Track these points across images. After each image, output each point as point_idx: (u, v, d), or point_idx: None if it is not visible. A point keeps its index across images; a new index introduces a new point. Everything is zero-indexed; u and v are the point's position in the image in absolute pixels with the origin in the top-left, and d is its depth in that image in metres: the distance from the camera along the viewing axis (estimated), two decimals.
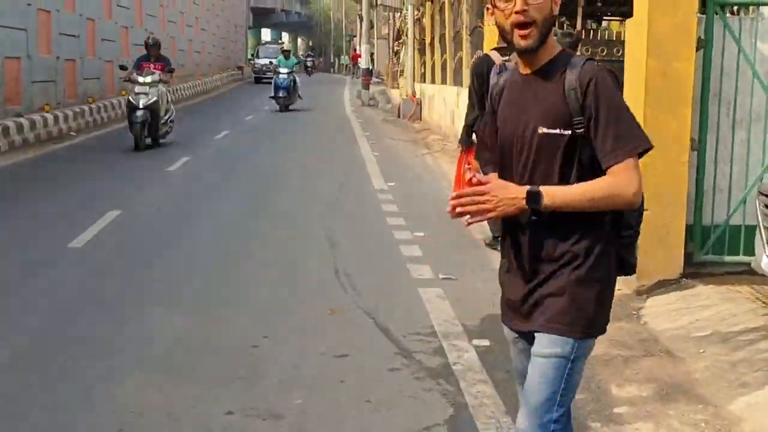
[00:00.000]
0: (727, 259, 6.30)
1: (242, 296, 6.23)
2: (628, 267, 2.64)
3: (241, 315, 5.74)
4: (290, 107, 24.54)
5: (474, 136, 7.92)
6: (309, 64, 58.82)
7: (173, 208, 9.76)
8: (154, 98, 14.28)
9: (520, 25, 2.38)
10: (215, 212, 9.45)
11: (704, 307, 5.59)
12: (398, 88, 27.67)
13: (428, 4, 19.39)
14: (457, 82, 16.69)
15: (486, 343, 5.16)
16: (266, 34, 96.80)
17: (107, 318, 5.69)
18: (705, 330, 5.17)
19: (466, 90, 7.80)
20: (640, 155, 2.42)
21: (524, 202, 2.37)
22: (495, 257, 7.55)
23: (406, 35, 23.65)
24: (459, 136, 8.29)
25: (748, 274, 6.20)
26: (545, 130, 2.42)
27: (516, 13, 2.36)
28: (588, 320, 2.52)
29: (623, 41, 12.90)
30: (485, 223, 9.10)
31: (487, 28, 13.20)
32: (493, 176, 2.54)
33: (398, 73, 28.35)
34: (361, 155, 14.60)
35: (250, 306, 5.96)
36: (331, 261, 7.22)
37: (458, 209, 2.39)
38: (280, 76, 24.43)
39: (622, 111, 2.41)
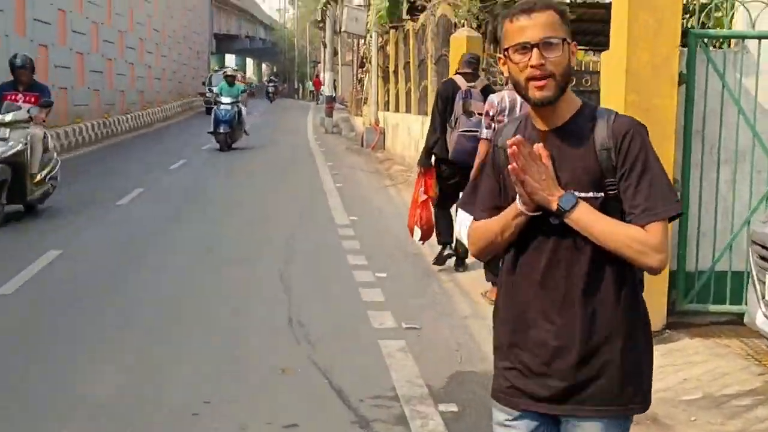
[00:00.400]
0: (713, 308, 5.86)
1: (184, 352, 5.64)
2: None
3: (181, 375, 5.16)
4: (234, 145, 20.34)
5: (433, 159, 7.89)
6: (271, 89, 57.44)
7: (119, 248, 9.14)
8: (19, 147, 9.85)
9: (536, 78, 2.17)
10: (161, 254, 8.85)
11: (692, 364, 5.12)
12: (362, 115, 27.26)
13: (392, 31, 19.02)
14: (422, 111, 16.28)
15: (453, 408, 4.64)
16: (230, 59, 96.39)
17: (34, 373, 5.10)
18: (695, 392, 4.69)
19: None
20: (670, 221, 2.22)
21: (557, 198, 2.17)
22: (461, 302, 7.09)
23: (370, 63, 23.27)
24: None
25: (734, 324, 5.78)
26: (578, 194, 2.18)
27: (532, 67, 2.16)
28: (648, 388, 2.31)
29: (591, 71, 12.69)
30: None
31: (452, 56, 12.80)
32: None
33: (362, 101, 27.95)
34: (322, 186, 14.07)
35: (193, 364, 5.37)
36: (286, 308, 6.66)
37: (513, 163, 2.14)
38: (222, 106, 19.83)
39: (657, 170, 2.21)
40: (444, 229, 7.94)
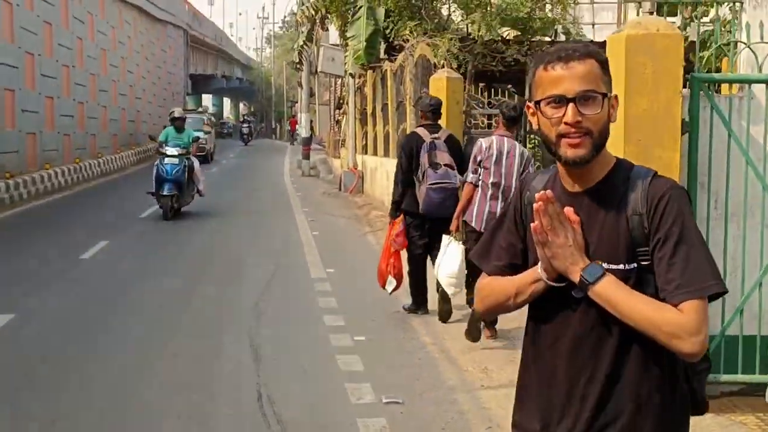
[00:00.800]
0: (724, 378, 5.32)
1: None
2: (701, 403, 2.16)
3: None
4: (182, 209, 15.68)
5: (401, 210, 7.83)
6: (245, 130, 54.01)
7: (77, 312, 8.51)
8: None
9: (571, 135, 1.98)
10: (122, 317, 8.23)
11: None
12: (340, 157, 26.78)
13: (370, 72, 18.59)
14: (386, 151, 15.80)
15: None
16: (207, 100, 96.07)
17: None
18: None
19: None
20: (710, 300, 1.97)
21: (580, 268, 1.97)
22: (447, 370, 6.47)
23: (347, 104, 22.84)
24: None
25: (748, 395, 5.26)
26: (606, 266, 1.98)
27: (566, 124, 1.97)
28: None
29: None
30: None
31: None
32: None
33: (340, 142, 27.49)
34: (298, 235, 13.49)
35: None
36: (254, 381, 6.05)
37: (537, 221, 1.97)
38: (166, 160, 14.90)
39: (695, 241, 1.98)
40: (415, 289, 7.97)
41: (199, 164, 16.08)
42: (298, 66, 28.59)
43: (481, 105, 12.08)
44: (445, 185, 7.38)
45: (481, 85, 16.30)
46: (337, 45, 27.85)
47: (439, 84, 12.23)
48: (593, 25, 18.99)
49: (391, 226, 7.93)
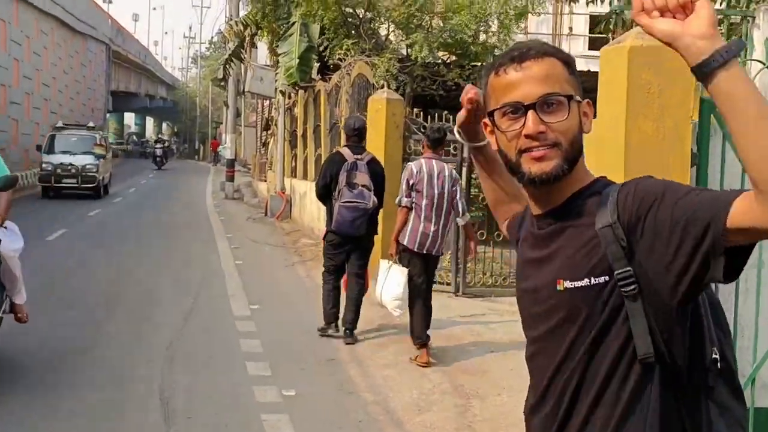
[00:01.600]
0: None
1: None
2: None
3: None
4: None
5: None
6: (159, 153, 47.16)
7: None
8: None
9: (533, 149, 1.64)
10: (10, 370, 6.99)
11: None
12: (266, 181, 25.63)
13: (301, 92, 17.59)
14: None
15: None
16: (129, 118, 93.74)
17: None
18: None
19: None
20: None
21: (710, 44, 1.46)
22: None
23: (276, 125, 21.77)
24: None
25: None
26: (568, 284, 1.65)
27: (526, 136, 1.64)
28: None
29: None
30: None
31: (370, 119, 11.41)
32: None
33: (266, 165, 26.36)
34: (220, 265, 12.32)
35: None
36: None
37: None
38: None
39: (689, 189, 1.55)
40: (329, 306, 7.86)
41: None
42: (222, 84, 27.37)
43: (422, 129, 11.21)
44: (358, 204, 7.54)
45: (416, 110, 15.52)
46: (266, 65, 26.87)
47: (377, 105, 11.31)
48: None
49: None
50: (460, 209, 7.21)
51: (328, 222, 7.85)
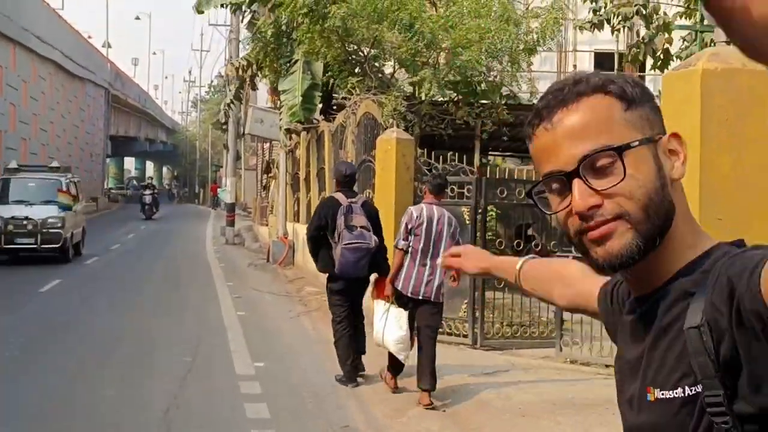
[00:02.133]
0: None
1: None
2: None
3: None
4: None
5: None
6: (147, 200, 39.63)
7: None
8: None
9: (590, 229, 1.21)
10: None
11: None
12: (267, 225, 25.00)
13: (303, 134, 17.02)
14: None
15: None
16: (129, 162, 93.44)
17: None
18: None
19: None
20: None
21: None
22: None
23: (277, 168, 21.18)
24: None
25: None
26: (658, 393, 1.21)
27: (577, 214, 1.21)
28: None
29: (524, 180, 10.85)
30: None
31: (378, 159, 10.80)
32: None
33: (267, 209, 25.74)
34: (221, 316, 11.61)
35: None
36: None
37: None
38: None
39: None
40: (349, 360, 7.73)
41: None
42: (223, 126, 26.88)
43: (432, 171, 10.59)
44: (360, 245, 7.55)
45: (423, 150, 14.93)
46: (267, 107, 26.40)
47: (386, 145, 10.70)
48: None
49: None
50: None
51: (328, 269, 7.78)
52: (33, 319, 11.28)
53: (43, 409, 6.86)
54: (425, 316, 7.11)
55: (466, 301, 10.15)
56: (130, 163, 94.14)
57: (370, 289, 7.95)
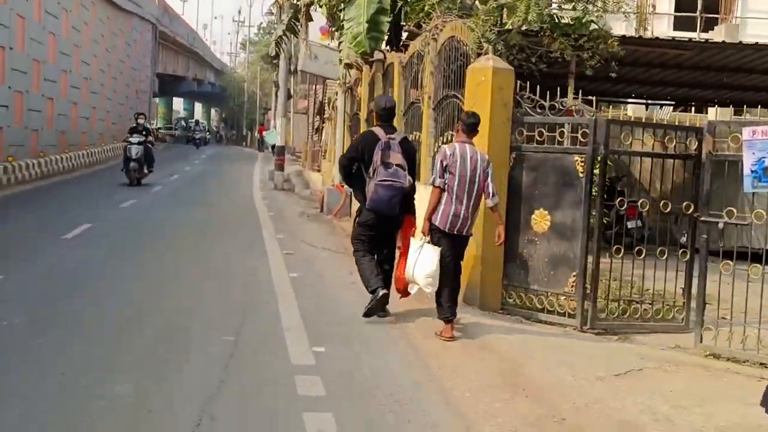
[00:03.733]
0: None
1: None
2: None
3: None
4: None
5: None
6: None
7: None
8: None
9: None
10: None
11: None
12: (319, 171, 23.05)
13: (366, 68, 14.94)
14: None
15: None
16: (177, 103, 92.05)
17: None
18: None
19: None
20: None
21: None
22: None
23: (333, 108, 19.12)
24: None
25: None
26: None
27: None
28: None
29: (654, 124, 8.67)
30: None
31: (468, 95, 8.72)
32: None
33: (320, 154, 23.76)
34: (270, 279, 9.71)
35: None
36: None
37: None
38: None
39: None
40: (374, 274, 7.73)
41: None
42: (273, 61, 24.86)
43: (540, 110, 8.49)
44: (394, 183, 7.53)
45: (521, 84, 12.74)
46: (322, 43, 24.31)
47: (480, 76, 8.61)
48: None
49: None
50: (491, 191, 7.36)
51: (360, 201, 7.84)
52: (42, 277, 9.48)
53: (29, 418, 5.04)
54: (453, 248, 7.34)
55: (574, 273, 8.14)
56: (178, 103, 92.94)
57: None
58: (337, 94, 17.76)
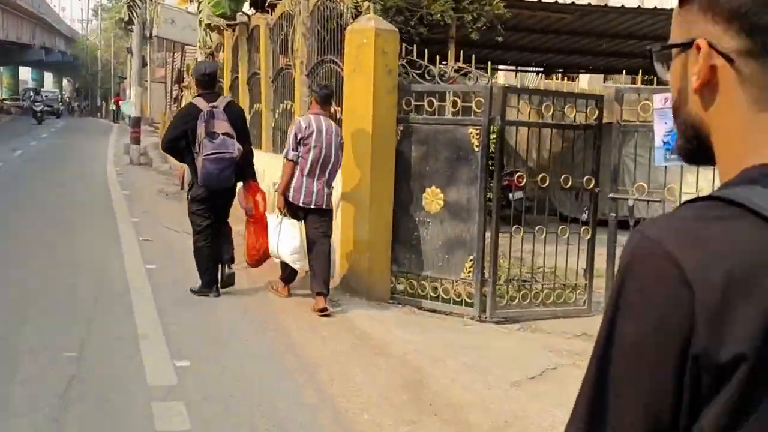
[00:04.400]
0: None
1: None
2: None
3: None
4: None
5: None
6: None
7: None
8: None
9: None
10: None
11: None
12: None
13: (227, 32, 13.63)
14: (276, 142, 11.12)
15: None
16: (25, 73, 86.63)
17: None
18: None
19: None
20: None
21: None
22: None
23: (192, 75, 17.64)
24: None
25: None
26: None
27: None
28: None
29: (554, 92, 7.93)
30: None
31: (348, 60, 7.68)
32: None
33: None
34: (123, 273, 8.42)
35: None
36: None
37: None
38: None
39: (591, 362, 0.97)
40: (203, 258, 7.48)
41: None
42: (128, 27, 23.01)
43: (429, 77, 7.54)
44: (222, 155, 7.19)
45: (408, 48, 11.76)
46: (178, 8, 22.72)
47: (361, 38, 7.59)
48: None
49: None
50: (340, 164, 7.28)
51: (193, 177, 7.51)
52: None
53: None
54: (317, 224, 7.16)
55: (471, 257, 7.31)
56: (26, 73, 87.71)
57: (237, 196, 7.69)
58: (197, 60, 16.33)
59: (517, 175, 8.54)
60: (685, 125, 1.04)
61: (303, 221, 7.18)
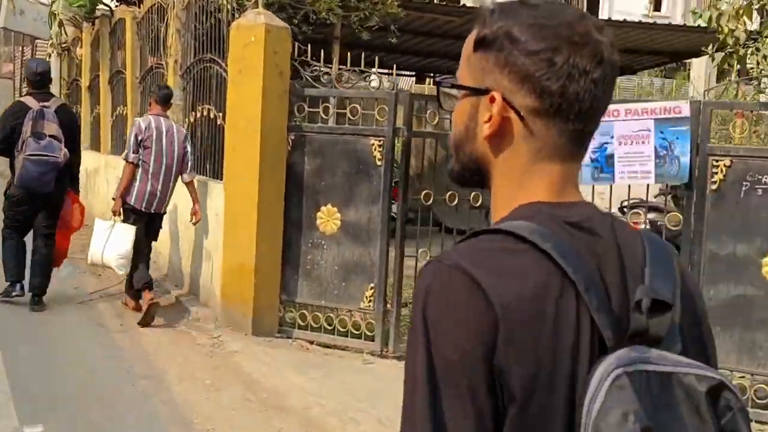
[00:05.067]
0: None
1: None
2: None
3: None
4: None
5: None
6: None
7: None
8: None
9: None
10: None
11: None
12: None
13: (87, 26, 12.30)
14: (119, 146, 10.00)
15: None
16: None
17: None
18: None
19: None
20: None
21: None
22: None
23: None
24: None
25: None
26: None
27: None
28: None
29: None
30: None
31: (234, 61, 6.74)
32: None
33: None
34: None
35: None
36: None
37: None
38: None
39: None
40: (13, 262, 7.07)
41: None
42: None
43: (325, 80, 6.66)
44: (47, 158, 6.84)
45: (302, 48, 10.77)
46: None
47: (249, 36, 6.67)
48: None
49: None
50: (189, 166, 7.13)
51: (11, 176, 7.14)
52: None
53: None
54: (149, 228, 7.09)
55: (372, 285, 6.51)
56: None
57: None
58: (50, 56, 14.81)
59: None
60: (469, 159, 1.14)
61: (137, 225, 6.97)
